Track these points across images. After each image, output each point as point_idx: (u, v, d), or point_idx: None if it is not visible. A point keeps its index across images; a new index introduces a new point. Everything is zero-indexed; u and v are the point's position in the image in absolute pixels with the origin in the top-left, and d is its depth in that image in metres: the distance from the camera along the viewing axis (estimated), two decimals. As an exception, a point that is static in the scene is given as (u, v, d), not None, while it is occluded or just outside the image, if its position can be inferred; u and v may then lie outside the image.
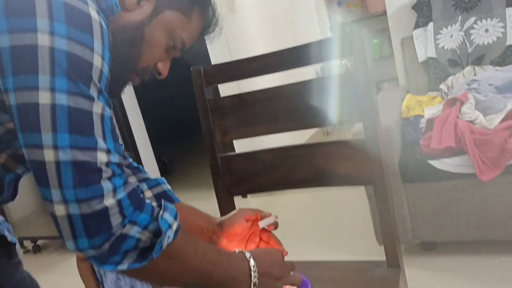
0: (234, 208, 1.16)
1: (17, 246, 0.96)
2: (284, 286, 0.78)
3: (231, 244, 0.92)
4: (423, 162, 1.69)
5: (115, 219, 0.58)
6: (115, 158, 0.60)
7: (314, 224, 2.52)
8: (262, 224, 0.93)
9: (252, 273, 0.73)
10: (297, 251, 1.06)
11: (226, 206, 1.15)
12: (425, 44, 2.18)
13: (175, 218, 0.65)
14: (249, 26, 3.17)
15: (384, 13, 2.59)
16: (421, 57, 2.19)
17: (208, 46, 3.03)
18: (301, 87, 1.01)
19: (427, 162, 1.68)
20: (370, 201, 1.81)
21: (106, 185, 0.58)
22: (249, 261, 0.74)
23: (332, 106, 0.99)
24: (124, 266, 0.61)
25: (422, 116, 1.86)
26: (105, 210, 0.57)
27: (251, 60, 1.04)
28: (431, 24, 2.15)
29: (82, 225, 0.57)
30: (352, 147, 0.98)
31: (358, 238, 2.17)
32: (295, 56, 1.00)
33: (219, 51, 3.00)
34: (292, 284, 0.80)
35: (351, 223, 2.37)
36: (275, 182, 1.09)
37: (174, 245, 0.64)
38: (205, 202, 3.29)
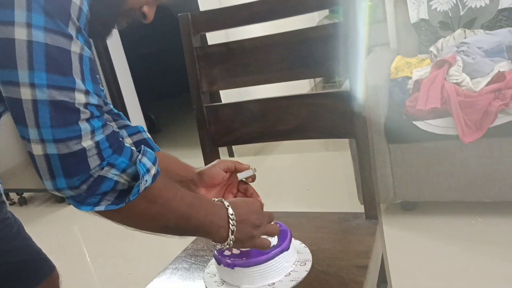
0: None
1: (0, 188, 0.97)
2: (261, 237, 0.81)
3: (209, 194, 0.94)
4: (408, 123, 1.71)
5: (93, 161, 0.59)
6: (94, 100, 0.60)
7: (298, 184, 2.56)
8: (240, 176, 0.94)
9: (230, 220, 0.75)
10: (279, 206, 1.08)
11: (211, 159, 1.15)
12: (418, 5, 2.16)
13: (154, 163, 0.65)
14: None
15: (379, -26, 2.54)
16: (413, 18, 2.18)
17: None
18: (289, 37, 1.01)
19: (412, 123, 1.70)
20: (354, 162, 1.84)
21: (84, 126, 0.58)
22: (227, 209, 0.76)
23: (320, 58, 0.99)
24: (101, 207, 0.63)
25: (410, 78, 1.87)
26: (83, 151, 0.58)
27: (241, 7, 1.03)
28: (425, -15, 2.12)
29: (60, 165, 0.58)
30: (336, 99, 0.99)
31: (340, 198, 2.22)
32: (285, 4, 0.99)
33: (209, 1, 2.94)
34: (269, 234, 0.83)
35: (335, 184, 2.41)
36: (260, 133, 1.10)
37: (153, 188, 0.66)
38: (192, 160, 3.31)
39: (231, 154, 3.26)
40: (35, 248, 1.04)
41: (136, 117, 3.69)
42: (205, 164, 1.16)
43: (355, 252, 0.89)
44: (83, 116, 0.58)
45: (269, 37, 1.03)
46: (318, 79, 4.68)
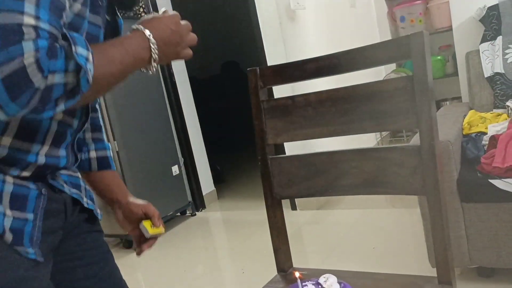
0: (282, 217, 1.16)
1: (98, 215, 1.02)
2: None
3: (124, 225, 1.04)
4: (484, 181, 1.60)
5: (34, 75, 0.59)
6: (45, 26, 0.61)
7: (363, 241, 2.45)
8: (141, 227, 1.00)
9: (153, 50, 0.76)
10: (343, 265, 1.04)
11: (274, 211, 1.15)
12: (492, 59, 2.08)
13: (87, 48, 0.66)
14: (307, 33, 3.17)
15: (449, 29, 2.51)
16: (487, 72, 2.09)
17: (266, 52, 3.08)
18: (357, 91, 1.00)
19: (488, 181, 1.58)
20: (424, 221, 1.74)
21: (27, 44, 0.58)
22: (149, 40, 0.76)
23: (387, 112, 0.97)
24: (61, 108, 0.64)
25: (484, 133, 1.77)
26: (23, 69, 0.58)
27: (307, 61, 1.05)
28: (499, 38, 2.05)
29: (4, 91, 0.58)
30: (405, 154, 0.95)
31: (409, 260, 2.08)
32: (352, 58, 0.99)
33: (277, 57, 3.03)
34: (189, 43, 0.83)
35: (403, 244, 2.28)
36: (323, 187, 1.08)
37: (96, 70, 0.67)
38: (255, 211, 3.32)
39: (293, 207, 3.22)
40: (122, 281, 1.08)
41: (203, 167, 3.80)
42: (269, 219, 1.16)
43: (427, 320, 0.82)
44: (27, 36, 0.59)
45: (335, 91, 1.03)
46: (384, 134, 4.59)
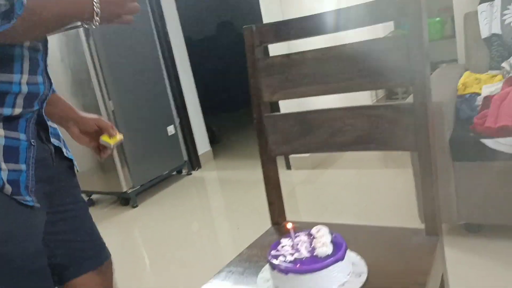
0: (276, 173, 1.19)
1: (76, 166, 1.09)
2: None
3: (80, 139, 1.10)
4: (475, 141, 1.63)
5: None
6: None
7: (356, 200, 2.51)
8: (101, 141, 1.08)
9: (95, 4, 0.80)
10: (336, 221, 1.08)
11: (269, 169, 1.17)
12: (489, 20, 2.07)
13: None
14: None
15: (448, -12, 2.47)
16: (484, 33, 2.09)
17: (261, 8, 3.04)
18: (353, 49, 1.01)
19: (479, 141, 1.62)
20: (415, 178, 1.78)
21: None
22: None
23: (383, 70, 0.98)
24: None
25: (479, 94, 1.79)
26: None
27: (304, 19, 1.04)
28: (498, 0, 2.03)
29: None
30: (399, 112, 0.97)
31: (399, 217, 2.15)
32: (348, 16, 0.99)
33: (273, 16, 2.99)
34: (132, 11, 0.87)
35: (394, 202, 2.34)
36: (318, 144, 1.10)
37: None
38: (250, 171, 3.37)
39: (288, 166, 3.27)
40: (98, 233, 1.14)
41: (198, 127, 3.82)
42: (264, 175, 1.19)
43: (414, 269, 0.87)
44: None
45: (331, 49, 1.03)
46: (380, 95, 4.60)
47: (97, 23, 0.83)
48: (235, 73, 4.13)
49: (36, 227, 0.90)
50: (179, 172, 3.67)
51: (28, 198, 0.86)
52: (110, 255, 1.15)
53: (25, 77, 0.84)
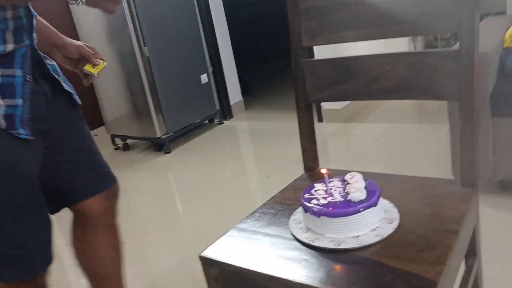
0: (312, 120, 1.19)
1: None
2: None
3: (64, 61, 1.13)
4: (519, 95, 1.57)
5: None
6: None
7: (388, 153, 2.49)
8: (85, 70, 1.11)
9: None
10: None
11: (305, 117, 1.17)
12: (546, -34, 1.92)
13: None
14: None
15: None
16: (539, -19, 1.95)
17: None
18: (396, -9, 0.96)
19: (523, 96, 1.55)
20: (452, 134, 1.74)
21: None
22: None
23: (428, 14, 0.94)
24: None
25: (527, 47, 1.70)
26: None
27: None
28: None
29: None
30: (442, 58, 0.94)
31: (432, 171, 2.13)
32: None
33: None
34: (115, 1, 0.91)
35: (427, 157, 2.31)
36: (355, 91, 1.08)
37: None
38: (282, 122, 3.37)
39: (320, 119, 3.25)
40: (102, 161, 1.20)
41: (231, 77, 3.81)
42: (299, 121, 1.18)
43: (447, 217, 0.87)
44: None
45: (375, -9, 0.99)
46: (418, 45, 4.42)
47: (82, 3, 0.87)
48: (270, 24, 4.04)
49: (27, 161, 0.94)
50: (211, 121, 3.71)
51: (22, 131, 0.91)
52: (114, 183, 1.22)
53: (9, 13, 0.86)
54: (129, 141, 3.51)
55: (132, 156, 3.36)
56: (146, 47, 2.99)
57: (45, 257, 1.02)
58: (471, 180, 0.97)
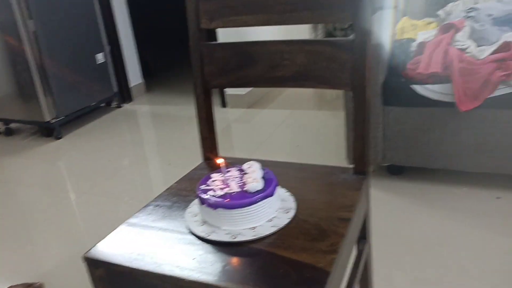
0: (210, 107, 1.14)
1: None
2: None
3: None
4: (406, 86, 1.67)
5: None
6: None
7: (289, 140, 2.55)
8: None
9: None
10: (269, 158, 1.06)
11: (203, 103, 1.12)
12: (431, -34, 2.07)
13: None
14: None
15: None
16: (424, -21, 2.09)
17: None
18: (295, -23, 0.95)
19: (410, 87, 1.66)
20: (347, 119, 1.82)
21: None
22: None
23: (326, 3, 0.94)
24: None
25: (414, 40, 1.82)
26: None
27: None
28: None
29: None
30: (337, 47, 0.95)
31: (329, 158, 2.21)
32: None
33: None
34: None
35: (325, 143, 2.40)
36: (255, 78, 1.06)
37: None
38: (184, 106, 3.28)
39: (223, 104, 3.22)
40: None
41: (130, 57, 3.61)
42: (197, 108, 1.13)
43: (340, 205, 0.88)
44: None
45: (274, -25, 0.97)
46: (319, 34, 4.58)
47: None
48: (174, 3, 3.89)
49: None
50: (109, 104, 3.50)
51: None
52: None
53: None
54: (12, 125, 3.17)
55: (16, 141, 3.04)
56: (31, 20, 2.70)
57: None
58: (363, 168, 1.00)
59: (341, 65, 0.95)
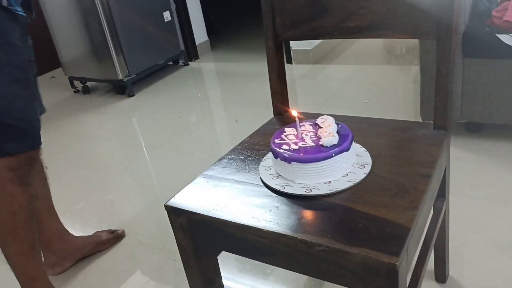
0: (282, 60, 1.12)
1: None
2: None
3: None
4: (491, 36, 1.54)
5: None
6: None
7: (356, 96, 2.47)
8: None
9: None
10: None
11: (273, 57, 1.10)
12: None
13: None
14: None
15: None
16: None
17: None
18: None
19: (495, 36, 1.53)
20: (422, 76, 1.71)
21: None
22: None
23: None
24: None
25: (501, -15, 1.65)
26: None
27: None
28: None
29: None
30: (422, -7, 0.88)
31: (400, 112, 2.13)
32: None
33: None
34: None
35: (396, 99, 2.31)
36: (328, 29, 1.02)
37: None
38: (250, 63, 3.27)
39: (289, 60, 3.17)
40: (38, 118, 1.16)
41: (196, 15, 3.62)
42: (268, 61, 1.12)
43: (419, 161, 0.85)
44: None
45: None
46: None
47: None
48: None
49: (27, 39, 1.09)
50: (176, 62, 3.56)
51: (18, 8, 1.03)
52: (36, 145, 1.16)
53: None
54: (89, 83, 3.34)
55: (92, 99, 3.21)
56: (102, -19, 2.77)
57: (39, 132, 1.15)
58: (444, 123, 0.95)
59: (425, 11, 0.88)
